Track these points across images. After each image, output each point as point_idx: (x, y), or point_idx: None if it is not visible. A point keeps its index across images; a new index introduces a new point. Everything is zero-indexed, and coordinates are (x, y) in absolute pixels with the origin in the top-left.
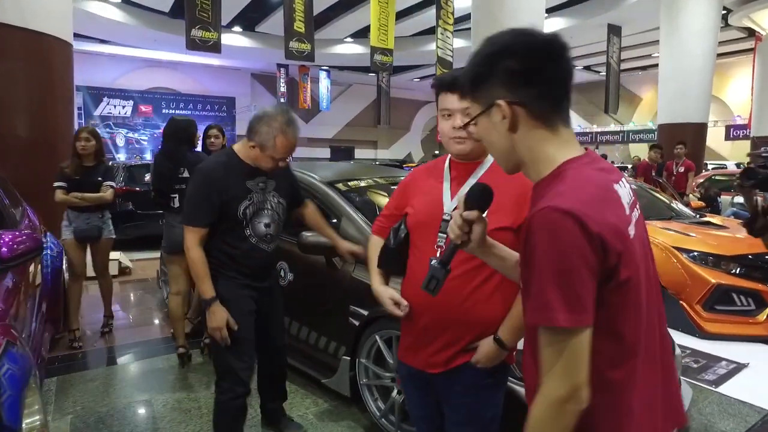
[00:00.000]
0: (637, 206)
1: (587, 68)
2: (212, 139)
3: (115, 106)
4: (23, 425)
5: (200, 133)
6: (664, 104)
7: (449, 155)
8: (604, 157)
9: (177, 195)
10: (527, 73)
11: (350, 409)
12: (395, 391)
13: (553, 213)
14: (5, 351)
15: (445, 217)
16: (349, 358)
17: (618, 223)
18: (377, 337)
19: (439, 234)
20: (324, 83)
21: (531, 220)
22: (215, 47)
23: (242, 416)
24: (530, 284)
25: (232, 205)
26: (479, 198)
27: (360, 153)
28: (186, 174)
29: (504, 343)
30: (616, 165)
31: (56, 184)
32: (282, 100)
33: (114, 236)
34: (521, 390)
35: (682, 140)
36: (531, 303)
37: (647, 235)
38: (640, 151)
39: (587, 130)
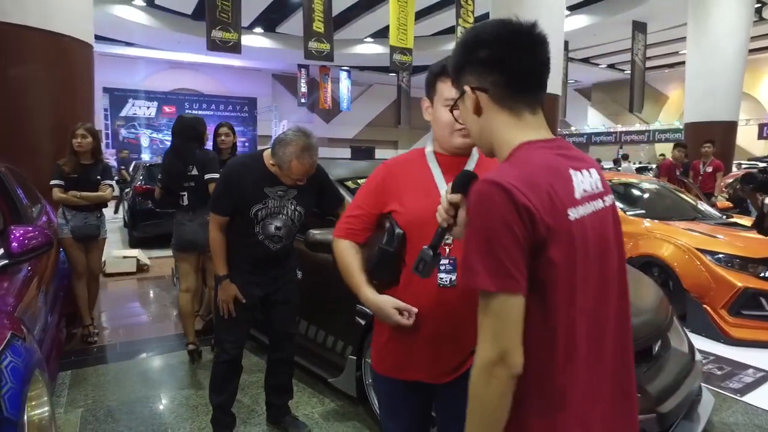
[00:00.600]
0: (605, 199)
1: (611, 66)
2: (222, 137)
3: (140, 107)
4: (28, 417)
5: (210, 131)
6: (691, 102)
7: (426, 149)
8: (625, 157)
9: (186, 193)
10: (491, 62)
11: (356, 410)
12: None
13: (485, 185)
14: (9, 344)
15: None
16: (355, 357)
17: (561, 200)
18: None
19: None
20: (344, 83)
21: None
22: (235, 48)
23: (230, 375)
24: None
25: (246, 205)
26: (465, 183)
27: (380, 153)
28: (194, 171)
29: None
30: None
31: (53, 182)
32: (302, 100)
33: (107, 236)
34: None
35: (710, 139)
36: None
37: (614, 235)
38: (667, 150)
39: (611, 130)
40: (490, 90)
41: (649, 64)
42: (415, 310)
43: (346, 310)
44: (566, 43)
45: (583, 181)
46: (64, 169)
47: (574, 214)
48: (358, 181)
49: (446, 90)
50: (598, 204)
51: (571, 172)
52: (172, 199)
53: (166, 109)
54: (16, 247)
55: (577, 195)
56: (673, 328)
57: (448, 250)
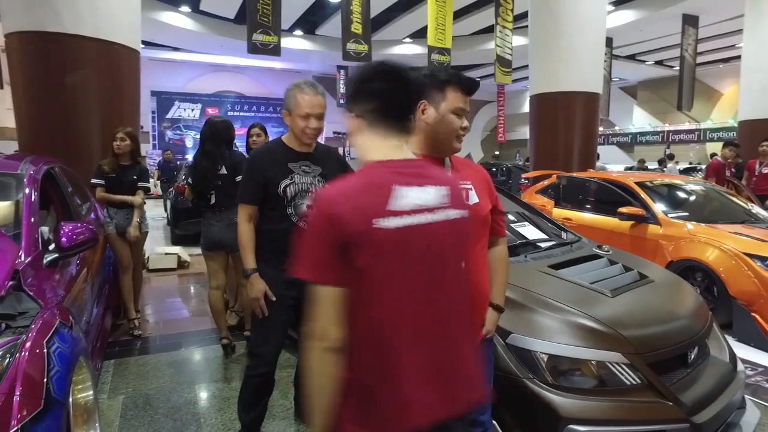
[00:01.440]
0: (449, 213)
1: (659, 63)
2: (254, 138)
3: (184, 110)
4: (74, 400)
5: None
6: (746, 99)
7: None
8: (671, 157)
9: (214, 191)
10: (353, 96)
11: None
12: None
13: (318, 195)
14: (57, 331)
15: None
16: None
17: (365, 211)
18: None
19: None
20: None
21: None
22: (275, 50)
23: (262, 391)
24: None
25: (274, 183)
26: None
27: None
28: (223, 171)
29: (500, 306)
30: (689, 165)
31: (94, 181)
32: (341, 101)
33: (148, 230)
34: (553, 397)
35: None
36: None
37: (454, 243)
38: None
39: (657, 129)
40: (366, 116)
41: (700, 59)
42: None
43: None
44: (610, 40)
45: (416, 196)
46: (105, 169)
47: (384, 223)
48: None
49: (458, 100)
50: (434, 216)
51: (396, 187)
52: (201, 201)
53: (209, 110)
54: (65, 242)
55: (394, 207)
56: (713, 336)
57: None
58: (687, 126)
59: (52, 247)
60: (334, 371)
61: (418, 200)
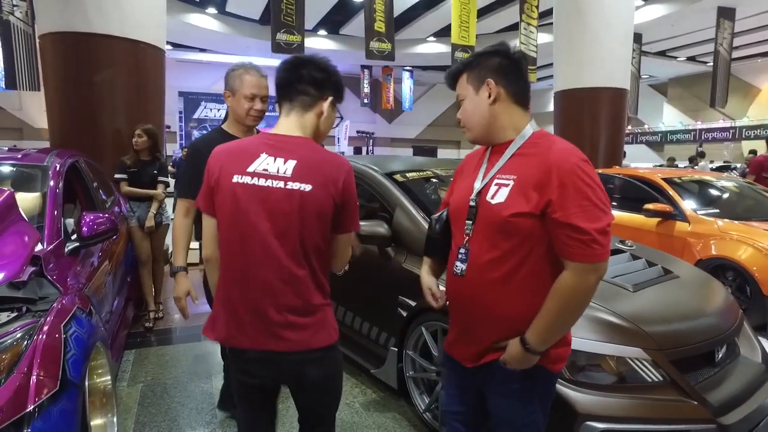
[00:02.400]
0: (289, 185)
1: (691, 59)
2: None
3: (210, 110)
4: (93, 384)
5: None
6: None
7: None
8: (702, 155)
9: None
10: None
11: (398, 402)
12: (440, 386)
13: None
14: (74, 316)
15: (471, 203)
16: (397, 349)
17: (226, 165)
18: (423, 329)
19: (466, 221)
20: (407, 83)
21: None
22: (299, 50)
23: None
24: None
25: None
26: None
27: (443, 153)
28: None
29: (529, 345)
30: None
31: (117, 176)
32: (365, 100)
33: (169, 223)
34: (570, 393)
35: None
36: None
37: (278, 213)
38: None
39: (689, 127)
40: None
41: (736, 53)
42: (441, 296)
43: (389, 301)
44: (639, 36)
45: (268, 164)
46: (127, 163)
47: (237, 179)
48: (407, 174)
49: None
50: (273, 183)
51: (263, 155)
52: None
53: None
54: (86, 231)
55: (250, 169)
56: (744, 335)
57: (466, 239)
58: (721, 124)
59: (74, 237)
60: (214, 277)
61: (270, 169)
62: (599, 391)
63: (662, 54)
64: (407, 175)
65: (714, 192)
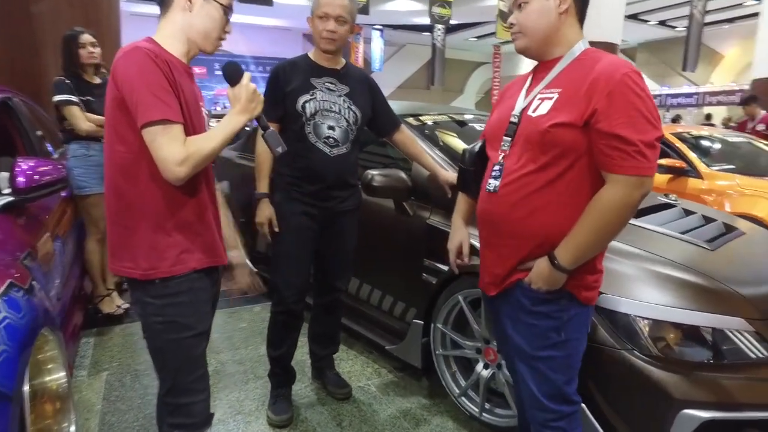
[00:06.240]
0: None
1: (662, 23)
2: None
3: None
4: (39, 384)
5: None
6: (763, 55)
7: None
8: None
9: None
10: None
11: (420, 383)
12: (480, 365)
13: (132, 51)
14: (5, 296)
15: (512, 119)
16: (422, 322)
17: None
18: (460, 298)
19: (504, 137)
20: (377, 43)
21: None
22: (267, 2)
23: (289, 328)
24: None
25: (293, 97)
26: (226, 75)
27: None
28: None
29: (557, 261)
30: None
31: (60, 98)
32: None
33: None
34: (661, 374)
35: None
36: None
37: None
38: (719, 115)
39: (655, 93)
40: None
41: (706, 18)
42: (467, 256)
43: (410, 266)
44: None
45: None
46: (68, 83)
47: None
48: (420, 117)
49: None
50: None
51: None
52: None
53: (197, 70)
54: (23, 182)
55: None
56: None
57: (502, 155)
58: (686, 89)
59: (7, 191)
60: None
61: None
62: (695, 371)
63: (634, 17)
64: (421, 118)
65: (722, 147)
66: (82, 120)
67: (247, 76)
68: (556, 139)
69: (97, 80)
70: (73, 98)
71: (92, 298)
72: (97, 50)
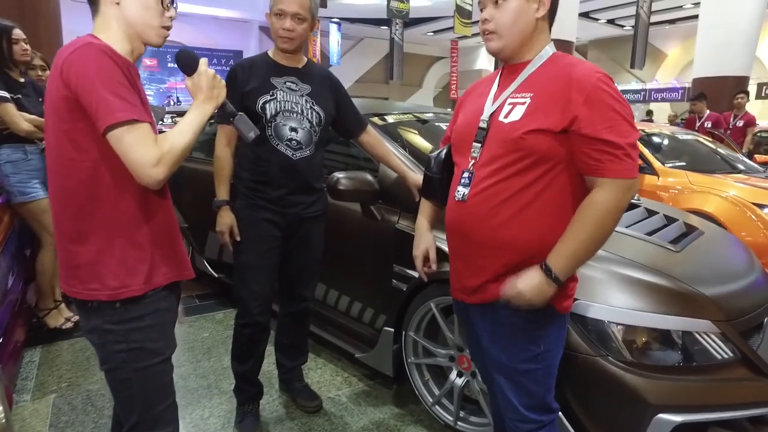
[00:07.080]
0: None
1: (611, 22)
2: None
3: None
4: None
5: None
6: (702, 56)
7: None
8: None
9: None
10: None
11: (392, 391)
12: (454, 373)
13: (85, 48)
14: None
15: (482, 124)
16: (392, 329)
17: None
18: (433, 305)
19: (474, 143)
20: (335, 36)
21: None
22: None
23: (254, 341)
24: None
25: (252, 98)
26: (180, 63)
27: None
28: None
29: (553, 272)
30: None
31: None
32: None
33: None
34: (635, 380)
35: (744, 89)
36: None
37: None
38: (661, 111)
39: None
40: None
41: (651, 19)
42: (432, 264)
43: (379, 271)
44: None
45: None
46: (6, 79)
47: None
48: (386, 118)
49: None
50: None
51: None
52: None
53: (147, 62)
54: None
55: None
56: None
57: (472, 162)
58: (634, 86)
59: None
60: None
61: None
62: (667, 375)
63: (585, 15)
64: (386, 118)
65: (675, 145)
66: (21, 120)
67: (203, 61)
68: (532, 147)
69: (22, 79)
70: (7, 95)
71: (37, 311)
72: (28, 47)
